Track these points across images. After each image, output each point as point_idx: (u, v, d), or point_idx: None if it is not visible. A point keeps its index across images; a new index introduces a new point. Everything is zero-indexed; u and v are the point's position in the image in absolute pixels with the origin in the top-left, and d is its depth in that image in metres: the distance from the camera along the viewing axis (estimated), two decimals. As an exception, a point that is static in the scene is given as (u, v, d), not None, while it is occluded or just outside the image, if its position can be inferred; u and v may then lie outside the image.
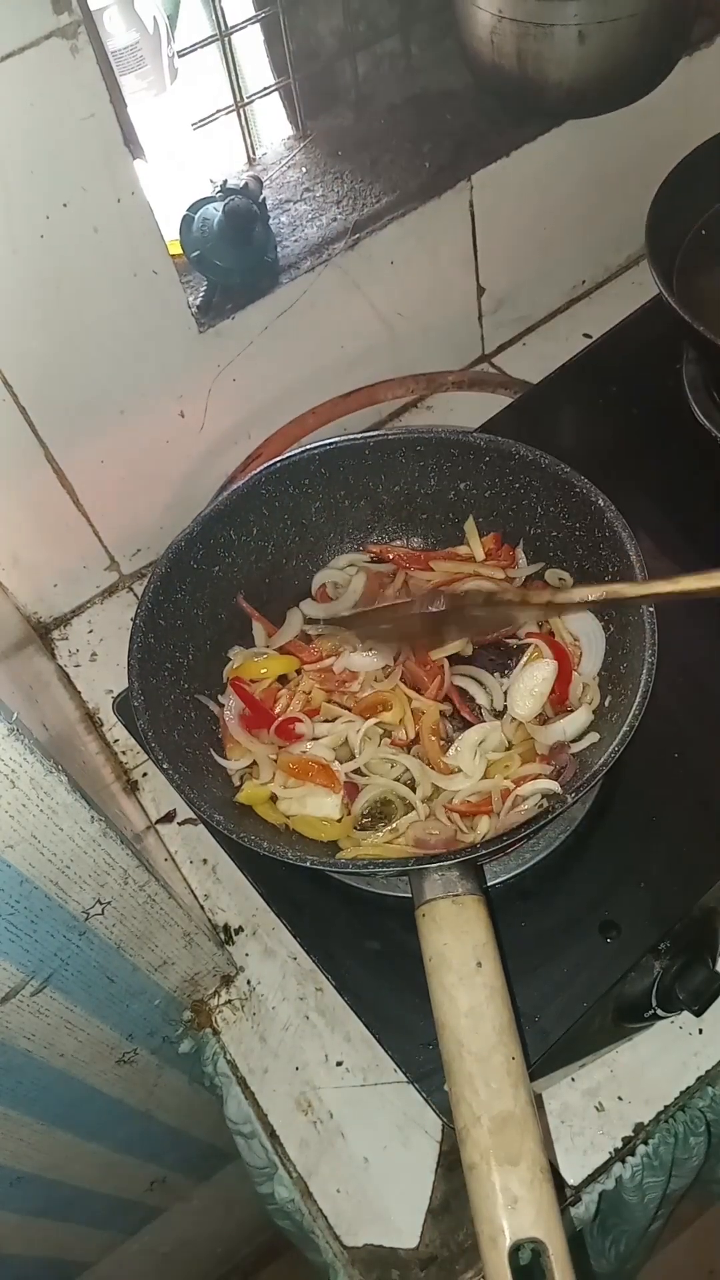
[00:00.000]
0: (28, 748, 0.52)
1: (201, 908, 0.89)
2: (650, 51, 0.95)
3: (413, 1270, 0.72)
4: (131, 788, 0.98)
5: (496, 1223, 0.54)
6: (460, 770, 0.75)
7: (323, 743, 0.77)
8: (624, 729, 0.65)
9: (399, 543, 0.88)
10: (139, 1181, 1.14)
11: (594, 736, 0.74)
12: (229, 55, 0.98)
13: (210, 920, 0.88)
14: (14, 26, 0.69)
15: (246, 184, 0.93)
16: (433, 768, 0.75)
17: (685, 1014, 0.74)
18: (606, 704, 0.76)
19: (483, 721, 0.78)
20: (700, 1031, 0.77)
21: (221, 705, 0.81)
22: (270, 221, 0.96)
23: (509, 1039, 0.59)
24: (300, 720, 0.78)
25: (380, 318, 1.06)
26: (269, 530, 0.87)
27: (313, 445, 0.87)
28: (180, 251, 0.93)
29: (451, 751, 0.76)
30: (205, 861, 0.91)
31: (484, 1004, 0.59)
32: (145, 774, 0.98)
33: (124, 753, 1.00)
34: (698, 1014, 0.71)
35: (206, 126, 1.01)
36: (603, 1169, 0.74)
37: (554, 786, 0.71)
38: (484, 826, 0.73)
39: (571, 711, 0.76)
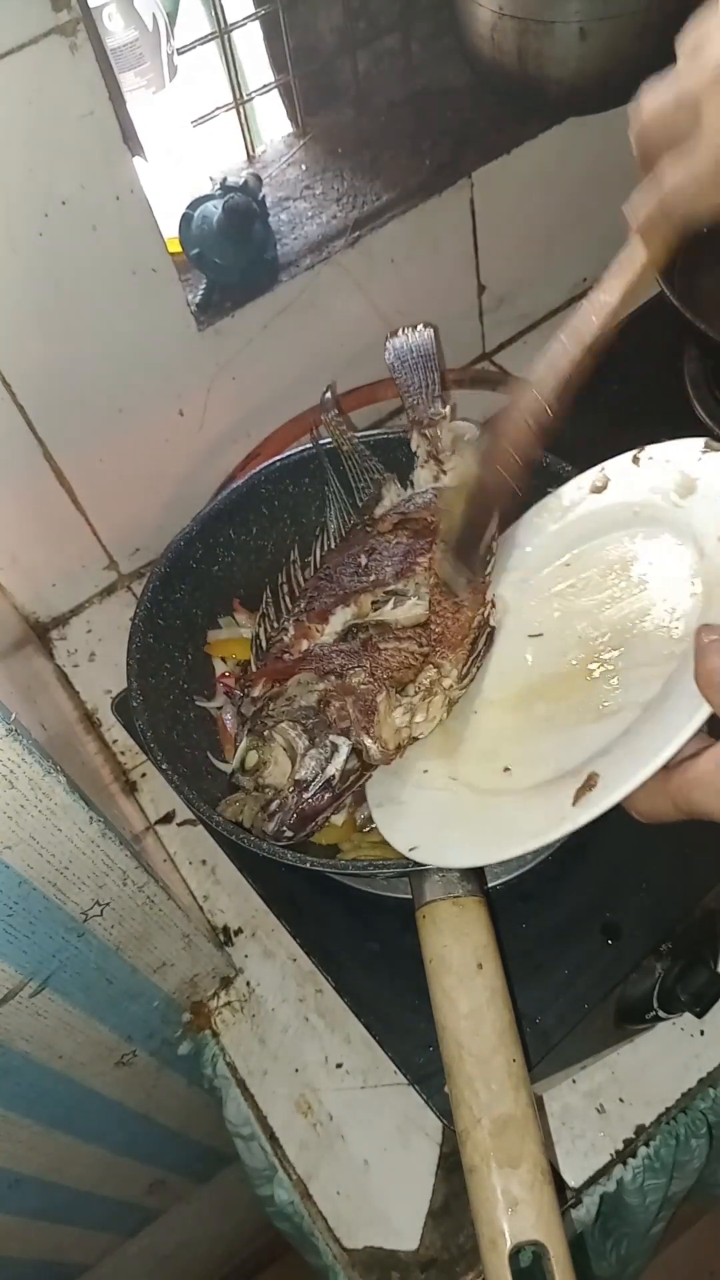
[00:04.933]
0: (26, 748, 0.51)
1: (200, 909, 0.89)
2: (651, 49, 0.94)
3: (413, 1273, 0.72)
4: (130, 788, 0.97)
5: (497, 1225, 0.53)
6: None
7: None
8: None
9: (399, 542, 0.89)
10: (138, 1183, 1.13)
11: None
12: (228, 52, 0.98)
13: (209, 921, 0.88)
14: (13, 24, 0.68)
15: (246, 181, 0.93)
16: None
17: (687, 1015, 0.74)
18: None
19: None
20: (702, 1033, 0.77)
21: (219, 707, 0.80)
22: (270, 219, 0.96)
23: (510, 1041, 0.59)
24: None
25: (380, 315, 1.06)
26: (269, 529, 0.87)
27: (313, 444, 0.86)
28: (179, 249, 0.93)
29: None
30: (204, 863, 0.91)
31: (484, 1006, 0.59)
32: (144, 774, 0.98)
33: (123, 753, 0.99)
34: (699, 1015, 0.71)
35: (206, 124, 1.01)
36: (604, 1171, 0.74)
37: (555, 787, 0.71)
38: (484, 827, 0.73)
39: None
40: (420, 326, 0.84)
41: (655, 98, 0.49)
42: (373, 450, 0.86)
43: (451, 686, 0.71)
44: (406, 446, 0.85)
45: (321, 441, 0.86)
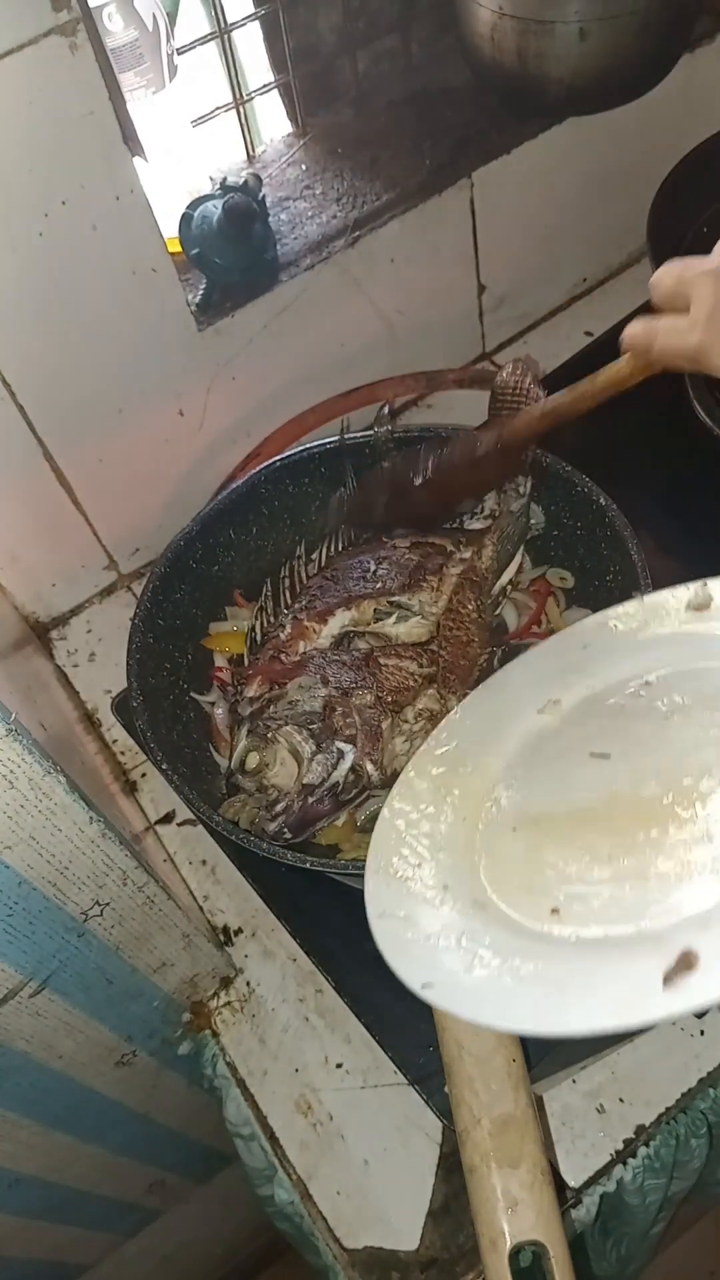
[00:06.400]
0: (26, 748, 0.51)
1: (200, 909, 0.89)
2: (651, 48, 0.95)
3: (413, 1273, 0.72)
4: (130, 788, 0.97)
5: (497, 1225, 0.53)
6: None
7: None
8: (625, 729, 0.65)
9: (399, 542, 0.89)
10: (138, 1183, 1.13)
11: (595, 737, 0.74)
12: (228, 52, 0.98)
13: (209, 921, 0.88)
14: (13, 24, 0.68)
15: (246, 181, 0.93)
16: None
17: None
18: (608, 704, 0.76)
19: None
20: (702, 1033, 0.77)
21: (213, 702, 0.81)
22: (270, 219, 0.95)
23: (509, 1041, 0.59)
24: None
25: (380, 316, 1.06)
26: (269, 530, 0.87)
27: (313, 444, 0.86)
28: (179, 249, 0.93)
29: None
30: (204, 863, 0.91)
31: (485, 1006, 0.58)
32: (144, 774, 0.98)
33: (123, 753, 0.99)
34: (699, 1015, 0.71)
35: (206, 124, 1.01)
36: (604, 1171, 0.74)
37: (555, 787, 0.71)
38: (484, 827, 0.73)
39: (572, 711, 0.76)
40: (532, 383, 0.79)
41: (669, 270, 0.56)
42: (405, 447, 0.85)
43: None
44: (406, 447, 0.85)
45: (347, 436, 0.85)
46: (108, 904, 0.65)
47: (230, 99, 1.01)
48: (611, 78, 0.94)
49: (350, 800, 0.69)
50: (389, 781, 0.71)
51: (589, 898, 0.51)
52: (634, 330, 0.58)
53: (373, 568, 0.80)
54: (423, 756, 0.65)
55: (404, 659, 0.73)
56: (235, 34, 0.98)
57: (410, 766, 0.64)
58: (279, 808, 0.67)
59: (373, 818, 0.75)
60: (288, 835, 0.66)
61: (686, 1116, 0.76)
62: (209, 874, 0.91)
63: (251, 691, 0.75)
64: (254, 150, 1.07)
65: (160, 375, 0.94)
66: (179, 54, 0.95)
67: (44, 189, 0.76)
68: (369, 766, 0.68)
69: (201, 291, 0.94)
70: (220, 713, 0.79)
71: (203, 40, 0.96)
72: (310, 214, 1.01)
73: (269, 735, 0.69)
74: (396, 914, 0.55)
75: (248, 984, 0.85)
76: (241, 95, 1.01)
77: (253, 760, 0.69)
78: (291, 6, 0.99)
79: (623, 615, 0.67)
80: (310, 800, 0.67)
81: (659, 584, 0.71)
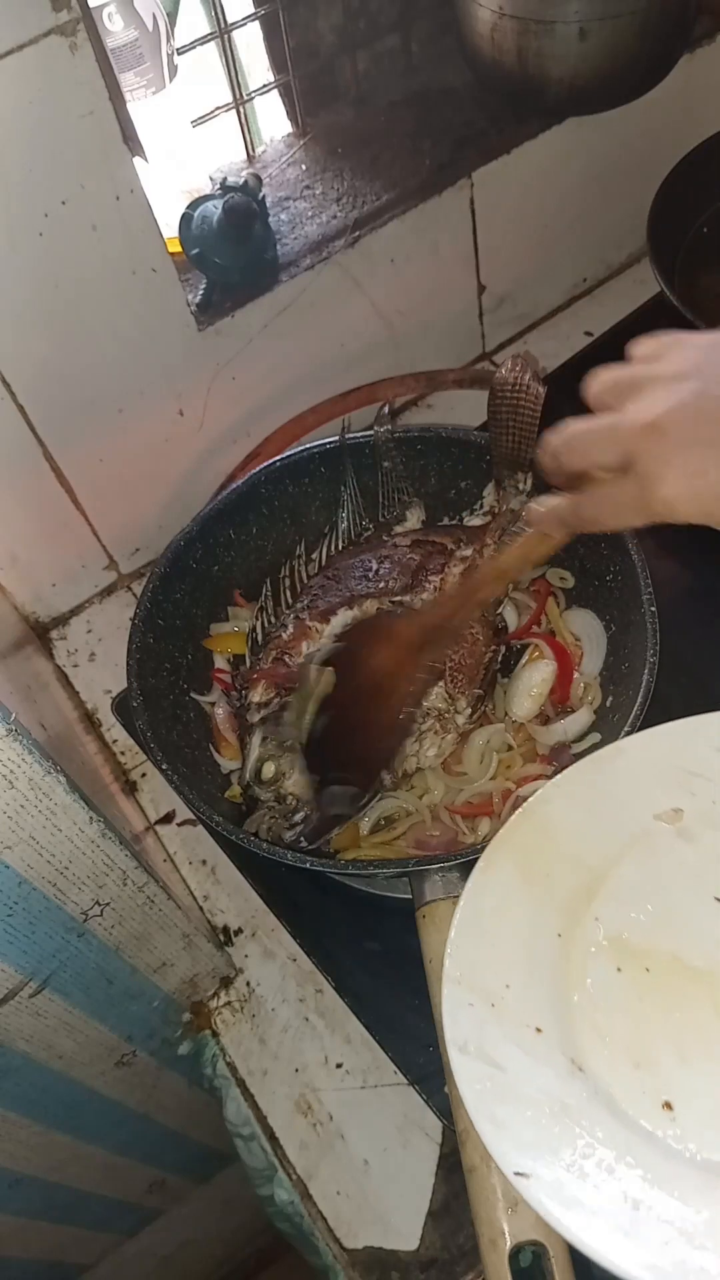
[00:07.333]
0: (26, 748, 0.51)
1: (200, 909, 0.89)
2: (651, 49, 0.95)
3: (413, 1273, 0.72)
4: (130, 788, 0.97)
5: (497, 1225, 0.53)
6: (464, 773, 0.75)
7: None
8: (625, 729, 0.65)
9: (399, 542, 0.89)
10: (138, 1184, 1.13)
11: (595, 737, 0.74)
12: (228, 52, 0.98)
13: (209, 921, 0.88)
14: (13, 24, 0.68)
15: (246, 181, 0.93)
16: (446, 772, 0.76)
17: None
18: (608, 704, 0.76)
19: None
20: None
21: (213, 702, 0.81)
22: (270, 219, 0.95)
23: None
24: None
25: (380, 316, 1.06)
26: (268, 529, 0.87)
27: (313, 444, 0.87)
28: (179, 249, 0.93)
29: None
30: (204, 863, 0.91)
31: (485, 1006, 0.58)
32: (144, 774, 0.98)
33: (123, 753, 0.99)
34: None
35: (206, 124, 1.01)
36: (604, 1171, 0.74)
37: (555, 787, 0.71)
38: (485, 828, 0.73)
39: (573, 711, 0.76)
40: (532, 379, 0.73)
41: (586, 427, 0.52)
42: (405, 446, 0.86)
43: (463, 723, 0.72)
44: (436, 461, 0.85)
45: (347, 436, 0.85)
46: (108, 904, 0.65)
47: (230, 99, 1.01)
48: (611, 78, 0.94)
49: (366, 804, 0.69)
50: (399, 784, 0.71)
51: (703, 1094, 0.42)
52: (545, 511, 0.54)
53: (375, 567, 0.80)
54: (512, 827, 0.56)
55: None
56: (235, 34, 0.98)
57: (499, 838, 0.55)
58: (298, 817, 0.67)
59: (380, 819, 0.75)
60: (303, 843, 0.67)
61: (686, 1116, 0.76)
62: (209, 874, 0.91)
63: (257, 697, 0.75)
64: (254, 150, 1.07)
65: (160, 375, 0.94)
66: (179, 54, 0.95)
67: (44, 189, 0.76)
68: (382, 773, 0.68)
69: (201, 291, 0.94)
70: (220, 713, 0.79)
71: (203, 40, 0.96)
72: (310, 214, 1.01)
73: (285, 744, 0.70)
74: (481, 1053, 0.45)
75: (248, 984, 0.85)
76: (241, 95, 1.01)
77: (269, 770, 0.69)
78: (291, 6, 0.99)
79: None
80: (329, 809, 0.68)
81: (659, 585, 0.71)
